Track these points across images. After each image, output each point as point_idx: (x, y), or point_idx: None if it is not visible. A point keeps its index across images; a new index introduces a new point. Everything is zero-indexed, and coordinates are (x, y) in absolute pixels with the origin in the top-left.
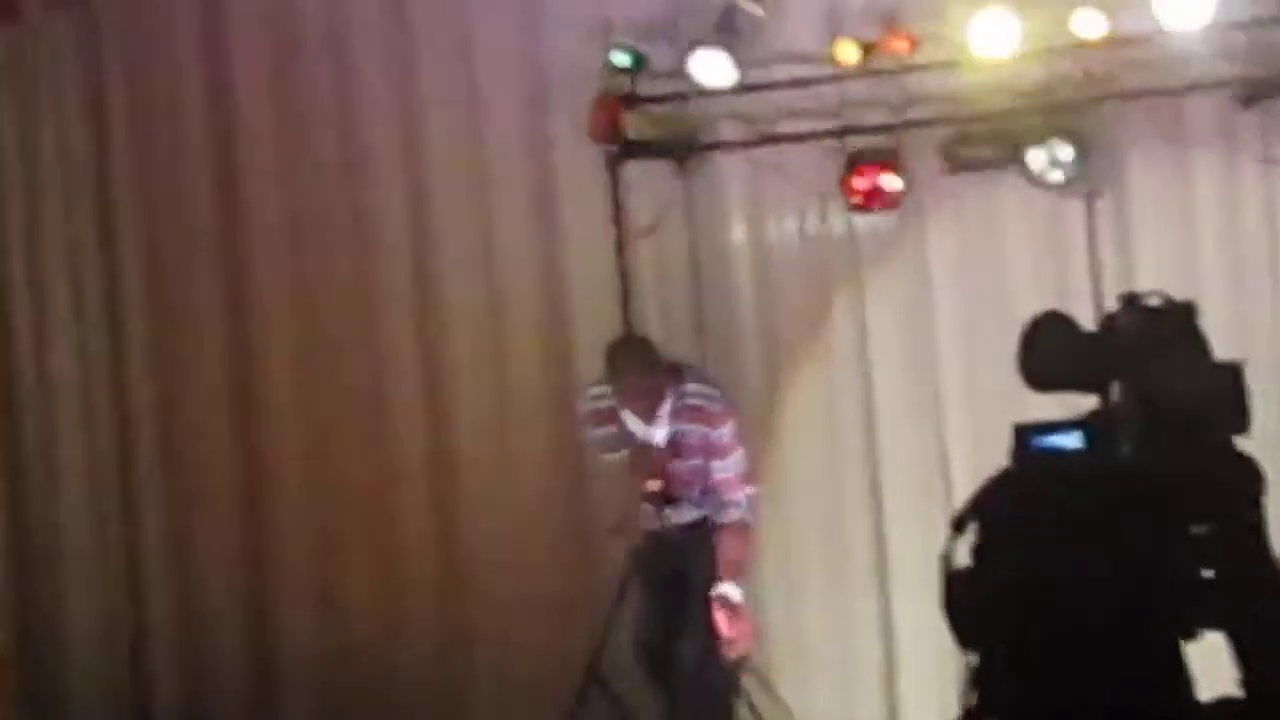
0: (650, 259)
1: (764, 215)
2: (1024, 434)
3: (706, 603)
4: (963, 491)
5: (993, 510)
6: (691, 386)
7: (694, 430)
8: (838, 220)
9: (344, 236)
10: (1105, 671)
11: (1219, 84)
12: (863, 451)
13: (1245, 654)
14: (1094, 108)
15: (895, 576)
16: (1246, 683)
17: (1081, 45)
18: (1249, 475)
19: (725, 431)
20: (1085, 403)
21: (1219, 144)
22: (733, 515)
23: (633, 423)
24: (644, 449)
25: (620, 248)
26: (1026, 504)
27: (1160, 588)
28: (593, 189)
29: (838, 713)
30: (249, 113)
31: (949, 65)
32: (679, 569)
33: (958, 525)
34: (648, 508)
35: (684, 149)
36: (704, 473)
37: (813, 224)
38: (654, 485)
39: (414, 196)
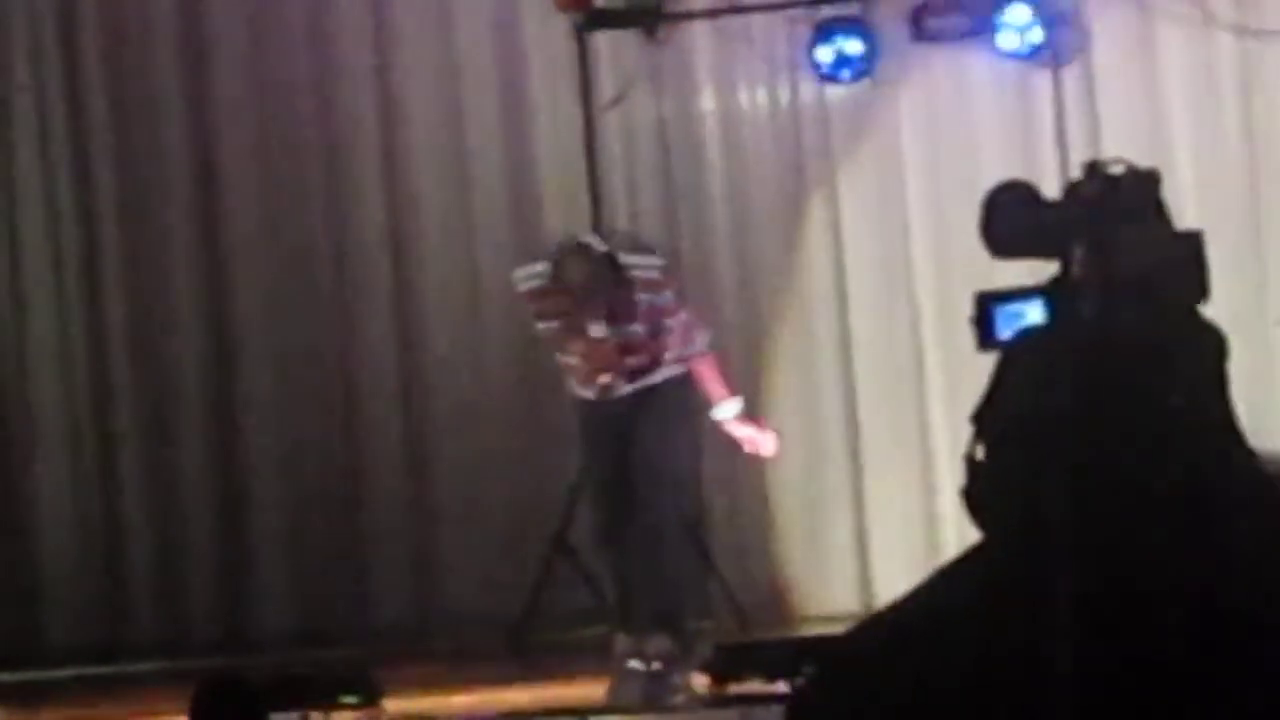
0: (618, 130)
1: (732, 85)
2: (985, 301)
3: (654, 477)
4: (934, 360)
5: (993, 408)
6: (631, 259)
7: (641, 300)
8: (806, 90)
9: (311, 107)
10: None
11: None
12: (834, 321)
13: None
14: None
15: (867, 447)
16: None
17: None
18: (1211, 343)
19: (670, 295)
20: (1052, 269)
21: (1187, 11)
22: (698, 347)
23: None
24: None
25: (588, 118)
26: (1016, 398)
27: (1140, 468)
28: (561, 59)
29: (813, 583)
30: None
31: None
32: (623, 439)
33: (977, 423)
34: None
35: (652, 18)
36: (653, 339)
37: (781, 94)
38: (605, 379)
39: (381, 64)
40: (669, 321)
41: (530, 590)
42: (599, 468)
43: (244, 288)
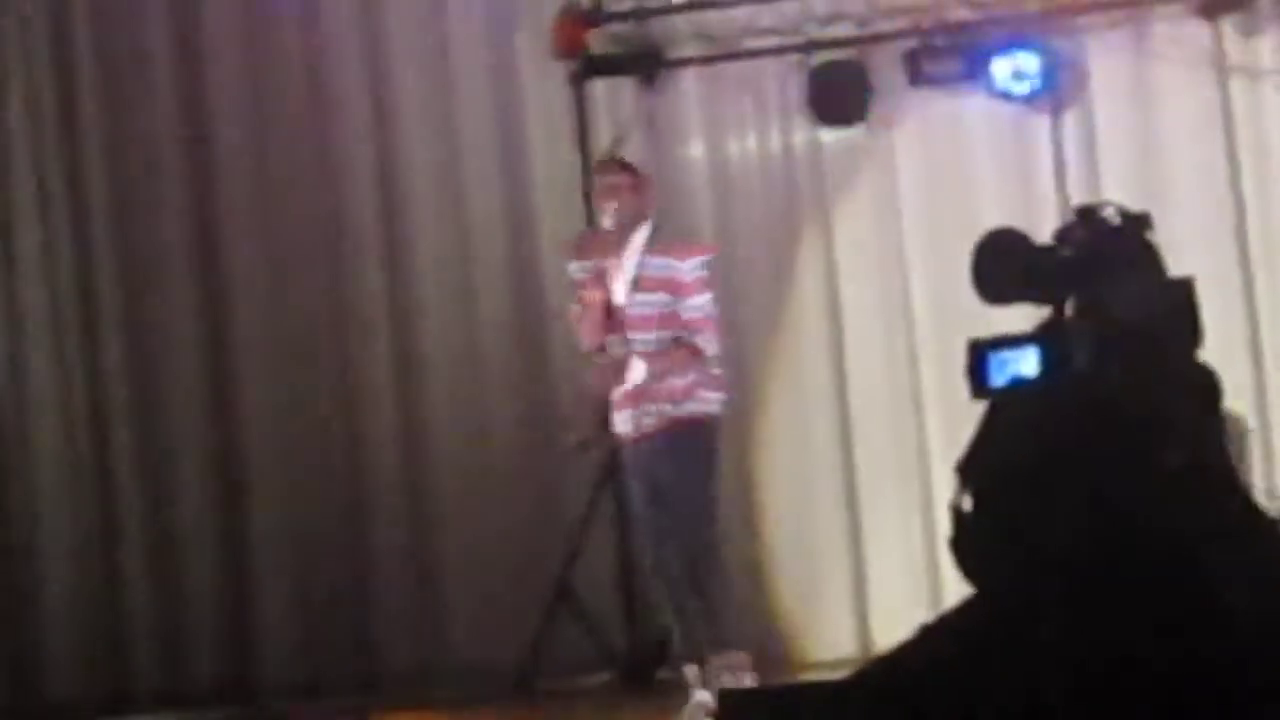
0: None
1: (729, 130)
2: (978, 350)
3: (693, 513)
4: (932, 405)
5: (981, 458)
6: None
7: (658, 262)
8: (802, 136)
9: (311, 166)
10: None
11: None
12: (830, 366)
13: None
14: (1058, 19)
15: (864, 493)
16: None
17: None
18: (1205, 389)
19: (694, 264)
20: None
21: (1181, 55)
22: (703, 347)
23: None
24: (614, 363)
25: (585, 166)
26: (1006, 451)
27: (1135, 535)
28: (558, 107)
29: (811, 628)
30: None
31: None
32: (657, 479)
33: (963, 473)
34: (621, 411)
35: (648, 65)
36: (668, 314)
37: (777, 140)
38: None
39: (379, 116)
40: (689, 302)
41: (533, 637)
42: (635, 501)
43: (244, 345)
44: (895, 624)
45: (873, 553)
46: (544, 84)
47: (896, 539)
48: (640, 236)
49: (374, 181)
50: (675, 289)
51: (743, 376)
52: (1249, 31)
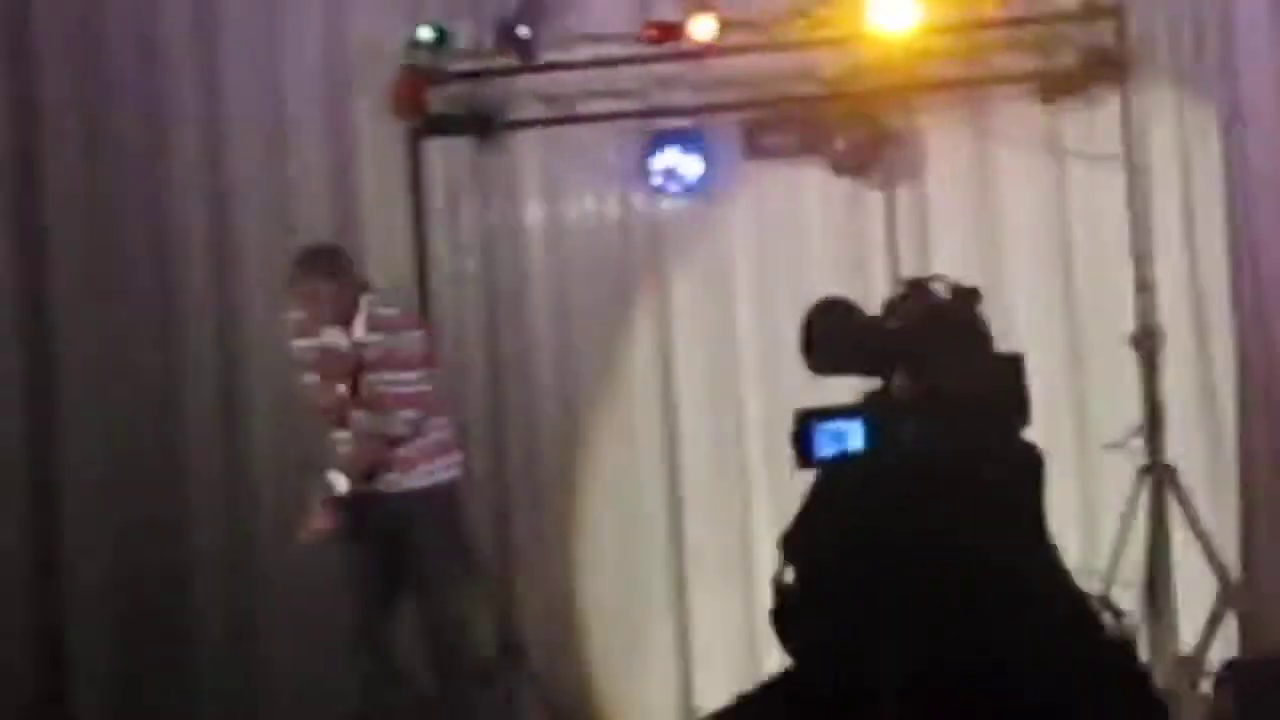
0: (448, 238)
1: (565, 195)
2: (805, 421)
3: (438, 575)
4: (760, 475)
5: (804, 532)
6: (381, 301)
7: (378, 340)
8: (637, 203)
9: (142, 220)
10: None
11: (1020, 78)
12: (660, 434)
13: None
14: (896, 97)
15: (691, 559)
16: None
17: (885, 34)
18: (1029, 467)
19: (408, 339)
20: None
21: (1017, 137)
22: (395, 430)
23: (326, 332)
24: (330, 353)
25: (419, 226)
26: (830, 525)
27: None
28: (394, 166)
29: (632, 692)
30: (51, 88)
31: (754, 49)
32: (396, 537)
33: (786, 546)
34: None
35: (486, 126)
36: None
37: (612, 206)
38: (342, 389)
39: (213, 167)
40: (398, 376)
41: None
42: (363, 565)
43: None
44: (718, 691)
45: (697, 620)
46: (381, 142)
47: (721, 607)
48: (359, 321)
49: (206, 235)
50: (390, 364)
51: (574, 441)
52: (1087, 115)
